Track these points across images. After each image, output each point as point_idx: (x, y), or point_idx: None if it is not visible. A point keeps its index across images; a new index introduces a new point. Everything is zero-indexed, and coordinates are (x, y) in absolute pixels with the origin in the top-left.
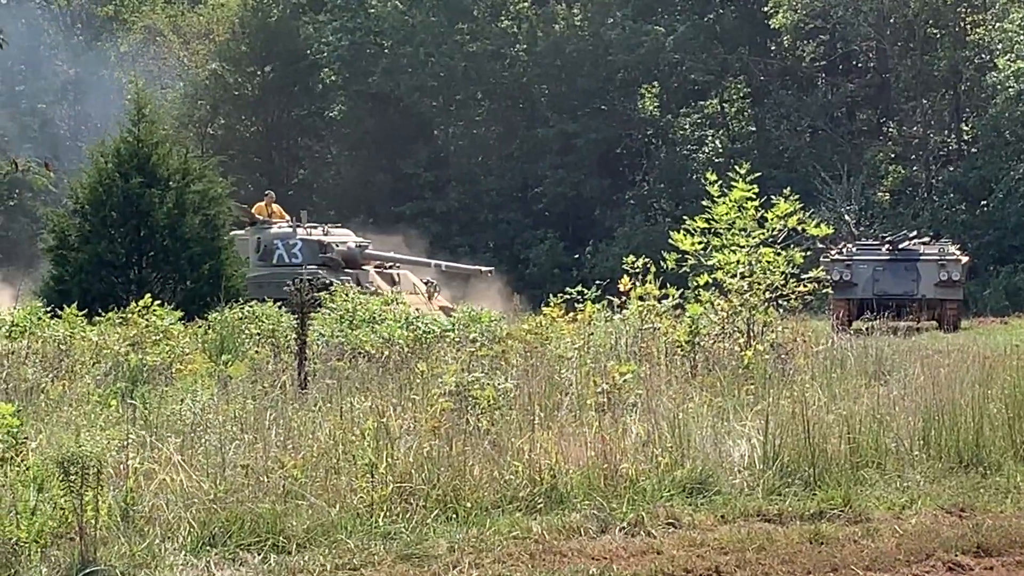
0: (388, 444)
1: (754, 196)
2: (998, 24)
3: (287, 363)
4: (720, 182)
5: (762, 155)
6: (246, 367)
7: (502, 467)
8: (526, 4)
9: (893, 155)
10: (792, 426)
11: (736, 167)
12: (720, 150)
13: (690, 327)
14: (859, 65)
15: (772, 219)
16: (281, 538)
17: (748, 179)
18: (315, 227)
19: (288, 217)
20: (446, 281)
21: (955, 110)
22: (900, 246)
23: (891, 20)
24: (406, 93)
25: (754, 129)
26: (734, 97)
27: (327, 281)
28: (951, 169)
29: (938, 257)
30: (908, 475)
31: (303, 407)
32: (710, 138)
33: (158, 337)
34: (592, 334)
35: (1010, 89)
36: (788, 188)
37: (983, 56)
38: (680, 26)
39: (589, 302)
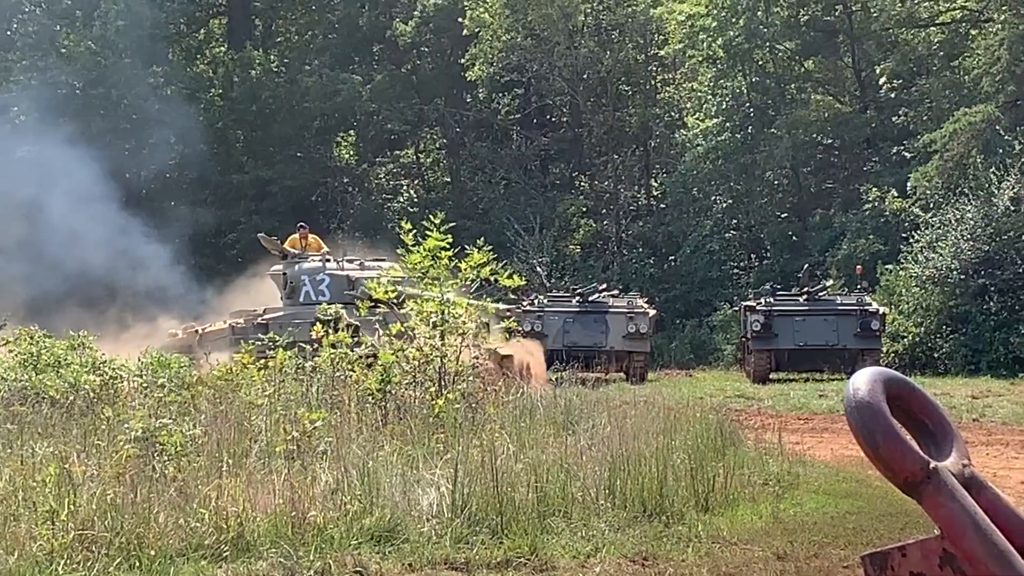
0: (70, 491)
1: (448, 246)
2: (688, 84)
3: None
4: (415, 231)
5: (457, 205)
6: None
7: (188, 514)
8: (222, 49)
9: (585, 209)
10: (481, 475)
11: (431, 216)
12: (415, 199)
13: (382, 375)
14: (553, 119)
15: (466, 269)
16: None
17: (443, 229)
18: (351, 260)
19: (326, 248)
20: None
21: (645, 166)
22: (590, 298)
23: (585, 76)
24: (99, 136)
25: (449, 180)
26: (430, 147)
27: (350, 323)
28: (640, 224)
29: (627, 310)
30: (594, 524)
31: None
32: (405, 188)
33: None
34: (283, 381)
35: (698, 147)
36: (482, 239)
37: (673, 114)
38: (377, 75)
39: (281, 349)
